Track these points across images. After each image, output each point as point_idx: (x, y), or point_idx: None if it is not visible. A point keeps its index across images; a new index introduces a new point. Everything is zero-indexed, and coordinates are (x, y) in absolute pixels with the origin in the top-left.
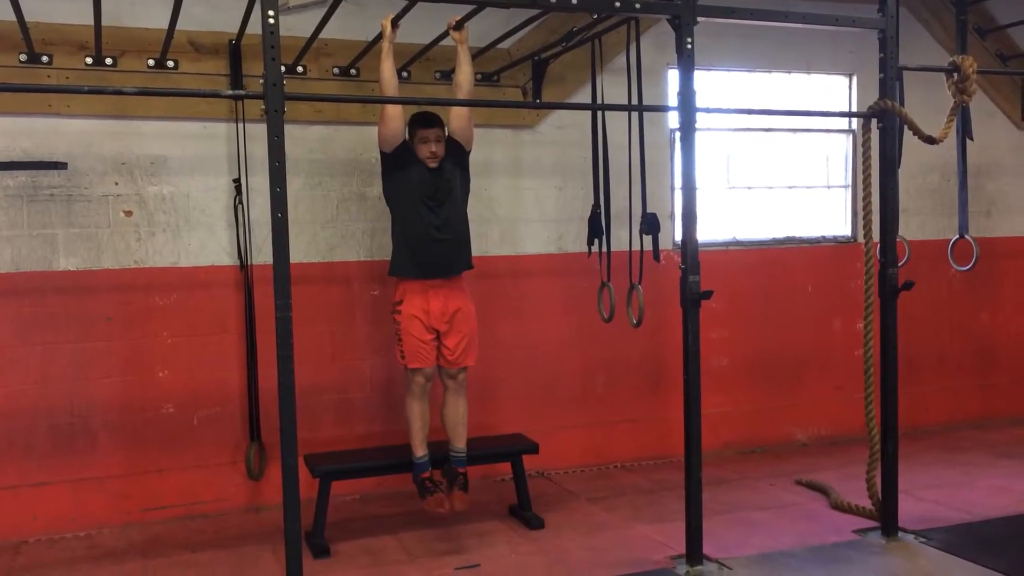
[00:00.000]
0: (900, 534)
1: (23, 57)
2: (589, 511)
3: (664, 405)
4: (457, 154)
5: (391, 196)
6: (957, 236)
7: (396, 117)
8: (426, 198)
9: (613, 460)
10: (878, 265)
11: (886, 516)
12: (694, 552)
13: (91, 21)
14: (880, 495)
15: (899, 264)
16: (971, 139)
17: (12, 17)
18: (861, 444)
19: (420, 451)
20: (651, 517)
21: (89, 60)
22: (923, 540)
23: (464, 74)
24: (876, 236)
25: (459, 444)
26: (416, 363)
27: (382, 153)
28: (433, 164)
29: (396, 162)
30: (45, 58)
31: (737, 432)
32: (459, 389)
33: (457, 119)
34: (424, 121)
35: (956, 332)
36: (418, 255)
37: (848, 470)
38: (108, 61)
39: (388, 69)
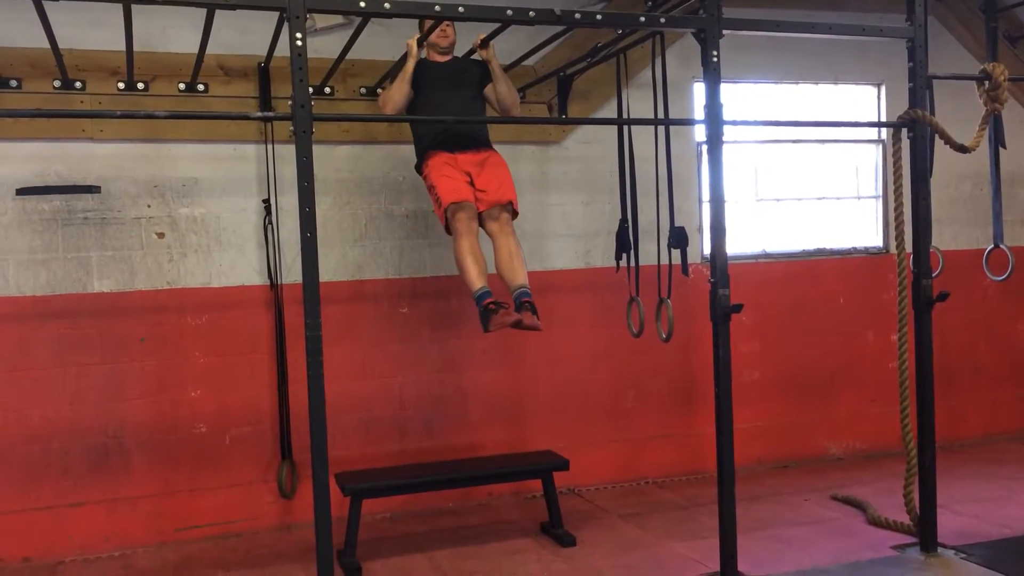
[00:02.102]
0: (939, 550)
1: (57, 83)
2: (621, 528)
3: (695, 420)
4: (481, 73)
5: (412, 111)
6: (992, 246)
7: (403, 107)
8: (443, 87)
9: (644, 476)
10: (911, 276)
11: (925, 531)
12: (729, 570)
13: (123, 47)
14: (918, 510)
15: (933, 275)
16: (1004, 147)
17: (47, 45)
18: (897, 458)
19: (479, 283)
20: (684, 534)
21: (121, 85)
22: (963, 556)
23: (501, 92)
24: (909, 247)
25: (519, 280)
26: (453, 196)
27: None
28: (444, 55)
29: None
30: (79, 84)
31: (770, 447)
32: (505, 229)
33: (493, 96)
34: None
35: (992, 343)
36: (438, 134)
37: (885, 484)
38: (140, 86)
39: (404, 90)
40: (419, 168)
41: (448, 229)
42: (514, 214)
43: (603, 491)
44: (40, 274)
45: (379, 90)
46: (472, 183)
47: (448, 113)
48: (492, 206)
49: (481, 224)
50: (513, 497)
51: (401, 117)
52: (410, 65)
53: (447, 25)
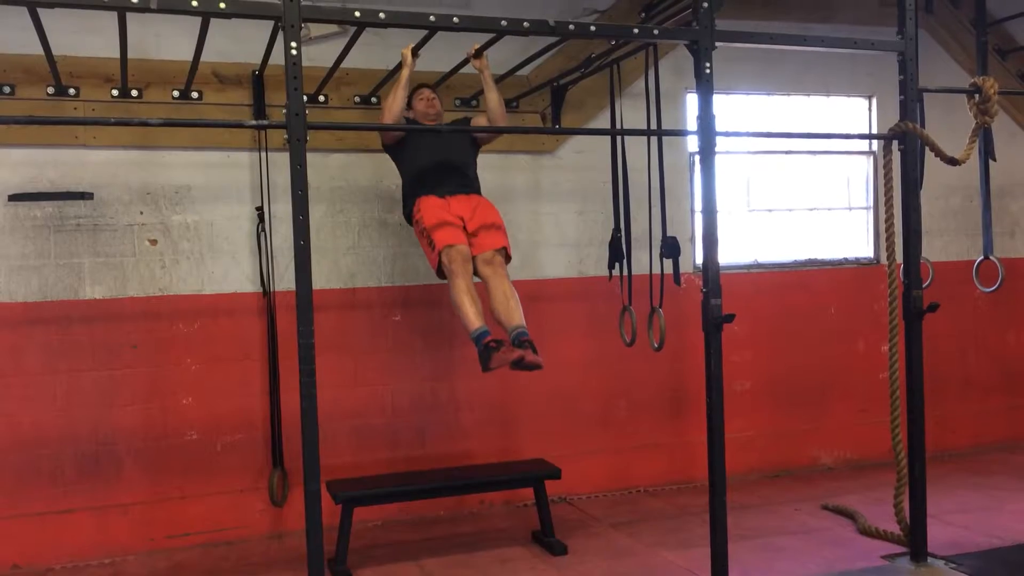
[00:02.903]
0: (930, 559)
1: (51, 90)
2: (612, 537)
3: (687, 429)
4: (466, 126)
5: (400, 160)
6: (982, 257)
7: (402, 135)
8: (432, 150)
9: (636, 485)
10: (902, 287)
11: (915, 541)
12: None
13: (117, 54)
14: (908, 520)
15: (923, 286)
16: (994, 160)
17: (40, 51)
18: (887, 468)
19: (477, 323)
20: (675, 543)
21: (115, 92)
22: (953, 566)
23: (491, 100)
24: (899, 258)
25: (516, 321)
26: (448, 239)
27: (386, 144)
28: (433, 121)
29: (400, 140)
30: (72, 91)
31: (761, 456)
32: (498, 272)
33: (481, 122)
34: (420, 84)
35: (982, 354)
36: (429, 179)
37: (875, 494)
38: (134, 93)
39: (401, 98)
40: (408, 214)
41: (440, 273)
42: (507, 258)
43: (594, 500)
44: (32, 280)
45: (373, 99)
46: (465, 228)
47: (440, 163)
48: (485, 250)
49: (474, 268)
50: (505, 505)
51: (395, 126)
52: (405, 74)
53: (433, 96)
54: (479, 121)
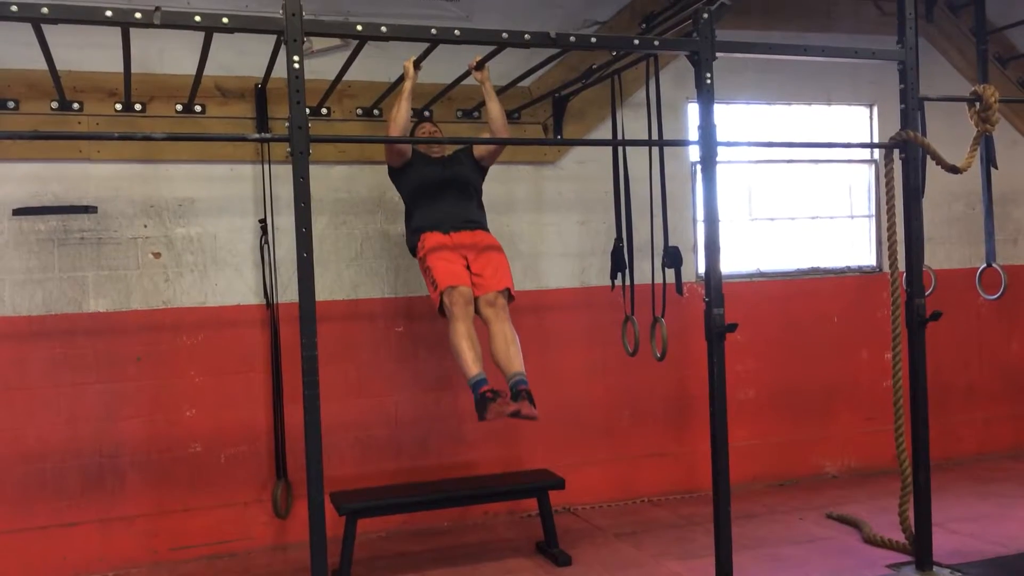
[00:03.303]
0: (935, 568)
1: (55, 104)
2: (617, 547)
3: (690, 438)
4: (470, 157)
5: (404, 189)
6: (985, 265)
7: (408, 152)
8: (437, 182)
9: (640, 495)
10: (904, 295)
11: (920, 550)
12: None
13: (121, 69)
14: (913, 528)
15: (926, 294)
16: (996, 167)
17: (45, 66)
18: (892, 476)
19: (475, 369)
20: (680, 553)
21: (119, 106)
22: (959, 574)
23: (492, 111)
24: (901, 266)
25: (515, 368)
26: (450, 280)
27: (392, 168)
28: (437, 154)
29: (406, 165)
30: (76, 105)
31: (765, 465)
32: (500, 315)
33: (481, 148)
34: (421, 119)
35: (986, 361)
36: (434, 215)
37: (880, 503)
38: (137, 107)
39: (405, 110)
40: (413, 248)
41: (442, 311)
42: (510, 299)
43: (598, 510)
44: (36, 294)
45: (375, 111)
46: (468, 267)
47: (444, 201)
48: (489, 292)
49: (476, 308)
50: (509, 516)
51: (399, 139)
52: (407, 86)
53: (435, 129)
54: (481, 146)
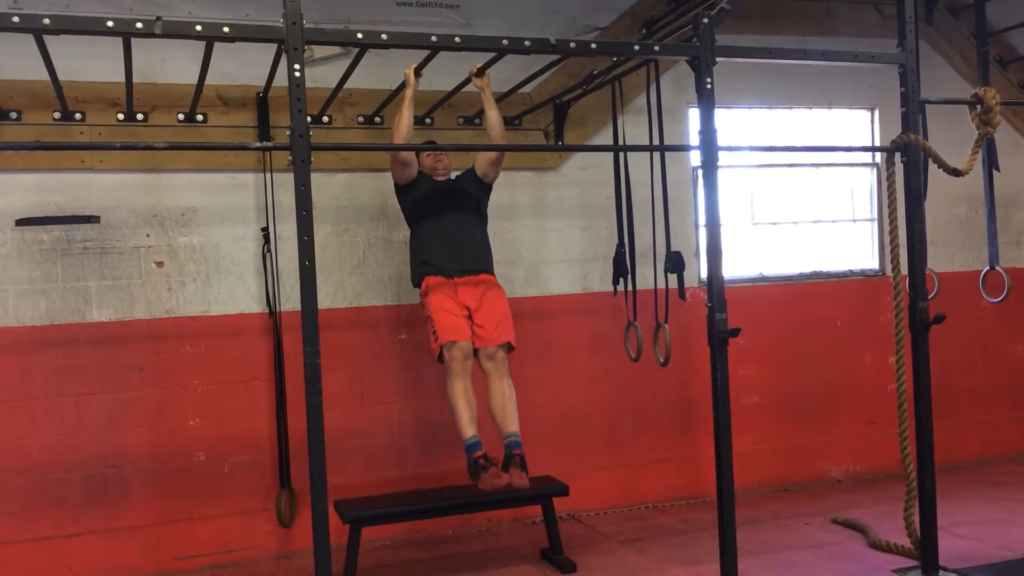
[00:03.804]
0: (941, 573)
1: (57, 115)
2: (621, 554)
3: (694, 444)
4: (473, 176)
5: (409, 211)
6: (988, 267)
7: (413, 163)
8: (441, 206)
9: (644, 501)
10: (908, 299)
11: (926, 554)
12: None
13: (123, 79)
14: (919, 533)
15: (929, 297)
16: (998, 170)
17: (47, 77)
18: (897, 480)
19: (470, 431)
20: (684, 559)
21: (121, 116)
22: None
23: (491, 118)
24: (904, 269)
25: (511, 428)
26: (450, 335)
27: (397, 185)
28: (442, 176)
29: (411, 184)
30: (78, 115)
31: (769, 470)
32: (500, 369)
33: (482, 159)
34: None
35: (990, 365)
36: (437, 255)
37: (885, 507)
38: (139, 117)
39: (408, 117)
40: (416, 283)
41: (441, 359)
42: (510, 350)
43: (603, 516)
44: (39, 304)
45: (377, 119)
46: (471, 317)
47: (457, 225)
48: (489, 345)
49: (476, 358)
50: (513, 523)
51: (402, 146)
52: (408, 93)
53: (441, 158)
54: (481, 161)
